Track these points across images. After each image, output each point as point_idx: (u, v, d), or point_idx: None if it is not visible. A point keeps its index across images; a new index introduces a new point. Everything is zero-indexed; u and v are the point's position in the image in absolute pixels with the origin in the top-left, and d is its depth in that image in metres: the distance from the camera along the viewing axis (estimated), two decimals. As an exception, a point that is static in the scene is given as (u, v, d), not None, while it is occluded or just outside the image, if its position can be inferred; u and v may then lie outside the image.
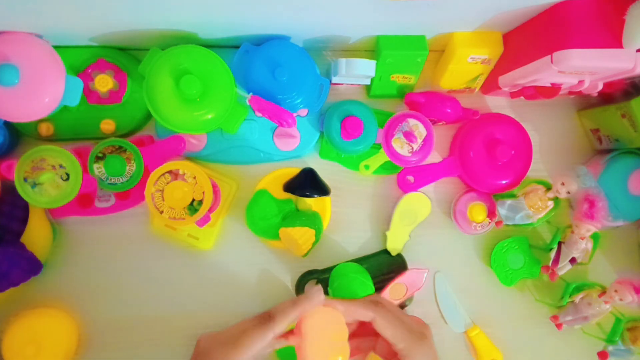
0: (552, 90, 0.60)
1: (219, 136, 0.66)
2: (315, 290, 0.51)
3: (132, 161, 0.62)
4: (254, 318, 0.50)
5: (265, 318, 0.49)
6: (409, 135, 0.65)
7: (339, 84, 0.69)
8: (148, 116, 0.66)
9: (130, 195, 0.65)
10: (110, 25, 0.58)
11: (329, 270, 0.67)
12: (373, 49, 0.67)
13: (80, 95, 0.57)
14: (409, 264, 0.69)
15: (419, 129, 0.66)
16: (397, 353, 0.52)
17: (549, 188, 0.65)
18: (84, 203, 0.64)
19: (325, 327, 0.51)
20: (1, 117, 0.55)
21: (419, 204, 0.69)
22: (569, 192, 0.63)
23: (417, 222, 0.69)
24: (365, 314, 0.52)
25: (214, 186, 0.63)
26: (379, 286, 0.66)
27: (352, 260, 0.68)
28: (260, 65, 0.62)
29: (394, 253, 0.69)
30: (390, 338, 0.51)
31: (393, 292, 0.66)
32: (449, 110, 0.66)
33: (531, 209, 0.65)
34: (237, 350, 0.47)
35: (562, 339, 0.70)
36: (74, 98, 0.56)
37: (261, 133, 0.67)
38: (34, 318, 0.61)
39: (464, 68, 0.65)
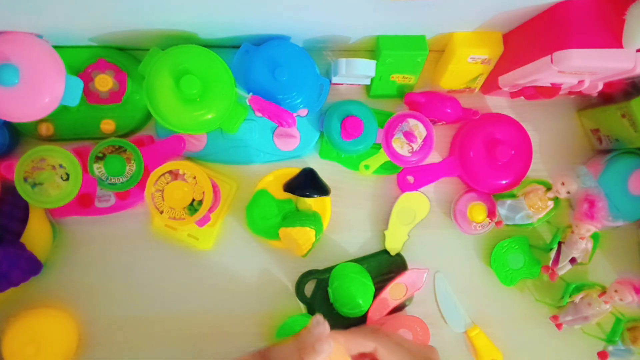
0: (552, 90, 0.60)
1: (219, 136, 0.66)
2: (324, 341, 0.46)
3: (132, 161, 0.62)
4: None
5: None
6: (409, 135, 0.65)
7: (339, 84, 0.69)
8: (148, 116, 0.66)
9: (130, 195, 0.65)
10: (110, 25, 0.58)
11: (329, 270, 0.67)
12: (373, 49, 0.67)
13: (80, 95, 0.57)
14: (409, 264, 0.69)
15: (419, 129, 0.66)
16: None
17: (549, 188, 0.65)
18: (84, 203, 0.64)
19: None
20: (1, 117, 0.55)
21: (417, 203, 0.69)
22: (569, 192, 0.63)
23: (416, 222, 0.69)
24: (366, 345, 0.50)
25: (214, 186, 0.63)
26: (379, 286, 0.66)
27: (352, 260, 0.68)
28: (260, 65, 0.62)
29: (393, 253, 0.69)
30: None
31: (393, 292, 0.66)
32: (449, 110, 0.66)
33: (531, 209, 0.65)
34: None
35: (562, 339, 0.70)
36: (74, 98, 0.56)
37: (261, 133, 0.67)
38: (34, 318, 0.61)
39: (464, 68, 0.65)
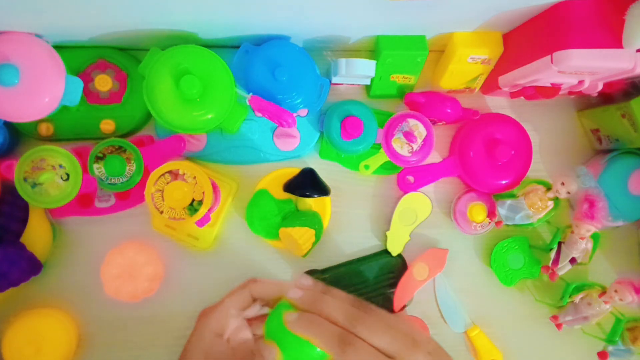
0: (552, 90, 0.60)
1: (219, 136, 0.66)
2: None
3: (132, 161, 0.62)
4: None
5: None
6: (409, 135, 0.65)
7: (339, 84, 0.69)
8: (148, 116, 0.66)
9: (130, 195, 0.65)
10: (110, 25, 0.58)
11: (329, 270, 0.67)
12: (373, 49, 0.67)
13: (80, 95, 0.57)
14: (409, 264, 0.69)
15: (419, 129, 0.66)
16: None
17: (549, 188, 0.65)
18: (84, 203, 0.64)
19: None
20: (1, 117, 0.55)
21: (419, 204, 0.69)
22: (569, 192, 0.63)
23: (418, 223, 0.69)
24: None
25: (214, 186, 0.63)
26: (381, 286, 0.66)
27: (352, 260, 0.68)
28: (260, 65, 0.62)
29: (394, 253, 0.68)
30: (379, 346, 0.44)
31: (417, 271, 0.66)
32: (449, 110, 0.66)
33: (531, 209, 0.65)
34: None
35: (562, 339, 0.70)
36: (74, 98, 0.56)
37: (261, 133, 0.67)
38: (33, 318, 0.61)
39: (464, 68, 0.65)
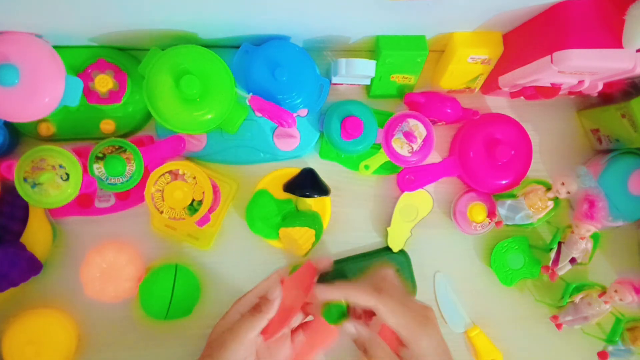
0: (552, 90, 0.60)
1: (219, 136, 0.66)
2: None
3: (132, 161, 0.62)
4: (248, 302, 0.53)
5: (256, 308, 0.52)
6: (409, 136, 0.65)
7: (339, 84, 0.69)
8: (148, 116, 0.66)
9: (130, 195, 0.65)
10: (111, 25, 0.58)
11: (334, 262, 0.67)
12: (373, 49, 0.67)
13: (80, 95, 0.57)
14: (409, 264, 0.69)
15: (419, 129, 0.66)
16: (402, 339, 0.50)
17: (549, 188, 0.65)
18: (84, 203, 0.64)
19: None
20: (1, 117, 0.55)
21: (420, 201, 0.69)
22: (569, 192, 0.63)
23: (419, 219, 0.69)
24: (367, 300, 0.50)
25: (214, 186, 0.63)
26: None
27: (354, 256, 0.68)
28: (260, 65, 0.62)
29: (395, 249, 0.68)
30: (393, 326, 0.49)
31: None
32: (449, 110, 0.66)
33: (531, 209, 0.65)
34: (233, 336, 0.50)
35: (562, 339, 0.70)
36: (74, 98, 0.56)
37: (261, 133, 0.67)
38: (33, 318, 0.61)
39: (464, 68, 0.65)
